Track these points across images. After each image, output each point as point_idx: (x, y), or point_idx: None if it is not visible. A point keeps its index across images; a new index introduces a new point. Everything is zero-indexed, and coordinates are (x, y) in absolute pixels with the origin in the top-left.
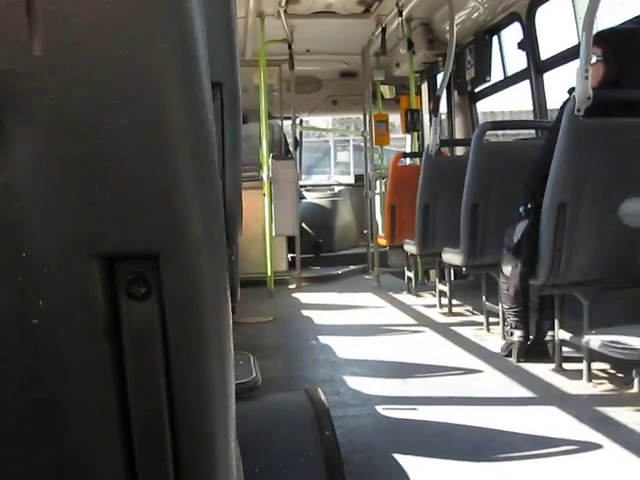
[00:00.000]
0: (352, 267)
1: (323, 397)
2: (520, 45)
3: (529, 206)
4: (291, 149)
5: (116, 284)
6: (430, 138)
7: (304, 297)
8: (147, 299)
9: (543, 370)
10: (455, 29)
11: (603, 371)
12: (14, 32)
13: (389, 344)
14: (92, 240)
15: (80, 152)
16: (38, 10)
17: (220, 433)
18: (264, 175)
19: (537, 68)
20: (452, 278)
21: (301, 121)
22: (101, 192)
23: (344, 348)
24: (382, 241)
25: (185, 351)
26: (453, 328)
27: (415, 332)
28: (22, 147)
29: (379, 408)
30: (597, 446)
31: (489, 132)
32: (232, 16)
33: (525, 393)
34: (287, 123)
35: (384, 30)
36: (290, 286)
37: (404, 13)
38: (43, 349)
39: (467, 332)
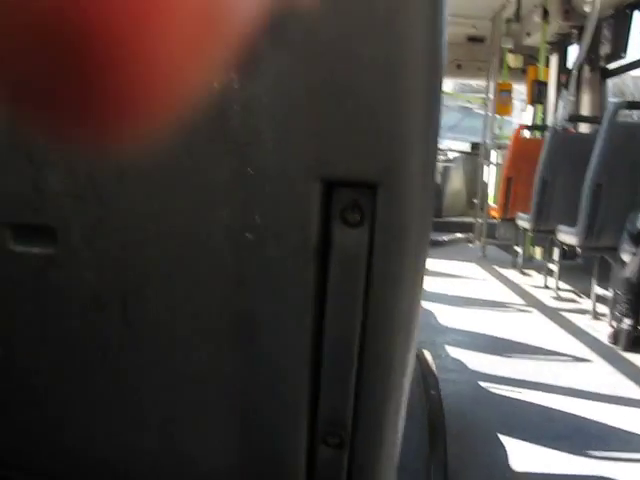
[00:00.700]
0: (458, 235)
1: (430, 359)
2: None
3: None
4: None
5: (332, 209)
6: (559, 112)
7: None
8: (360, 227)
9: None
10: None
11: None
12: None
13: (491, 319)
14: (317, 164)
15: (322, 77)
16: None
17: (404, 357)
18: None
19: None
20: (562, 258)
21: None
22: (334, 118)
23: (446, 316)
24: (494, 213)
25: (388, 280)
26: (558, 310)
27: (518, 310)
28: (268, 67)
29: (478, 379)
30: None
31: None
32: None
33: (628, 384)
34: None
35: None
36: None
37: None
38: (252, 262)
39: (573, 316)
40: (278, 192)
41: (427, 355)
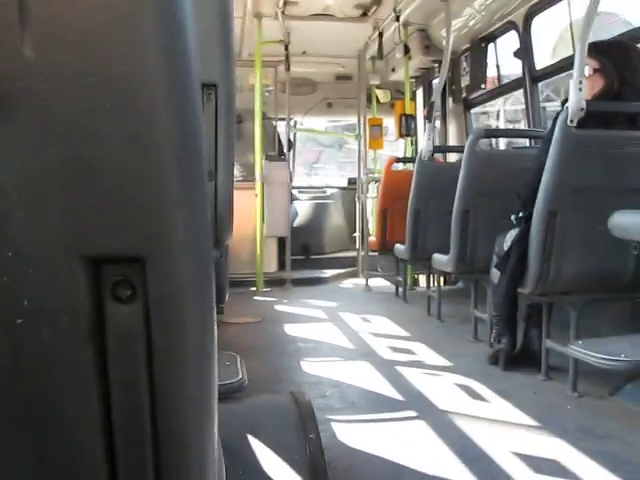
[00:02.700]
0: (341, 270)
1: (308, 399)
2: (516, 54)
3: (520, 214)
4: (285, 150)
5: (101, 286)
6: (424, 143)
7: (293, 298)
8: (132, 302)
9: (529, 379)
10: (452, 36)
11: (588, 381)
12: (6, 32)
13: (376, 349)
14: (78, 242)
15: (67, 155)
16: (31, 11)
17: (200, 436)
18: (257, 175)
19: (532, 77)
20: (442, 284)
21: (295, 123)
22: (87, 195)
23: (332, 351)
24: (374, 245)
25: (168, 354)
26: (440, 334)
27: (402, 337)
28: (9, 148)
29: (364, 413)
30: (581, 457)
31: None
32: (229, 18)
33: (510, 401)
34: (281, 124)
35: (381, 34)
36: (276, 289)
37: (401, 18)
38: (26, 348)
39: (454, 339)
40: (43, 274)
41: (305, 396)
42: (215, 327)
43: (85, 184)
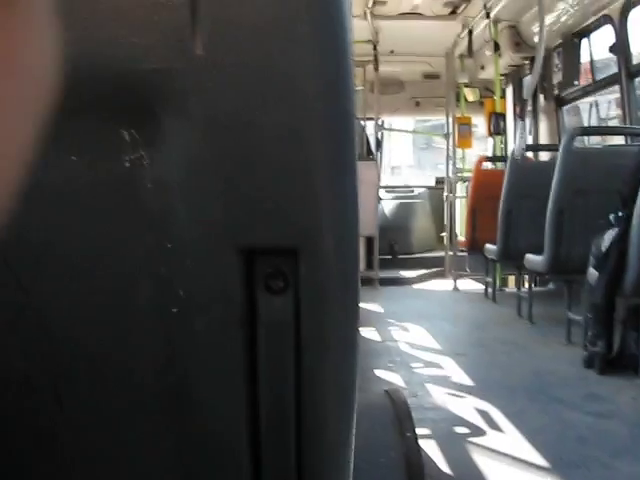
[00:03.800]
0: (429, 270)
1: (404, 398)
2: (612, 49)
3: (620, 214)
4: (373, 150)
5: (255, 278)
6: (516, 142)
7: (381, 298)
8: (284, 293)
9: (627, 383)
10: (545, 31)
11: None
12: (177, 31)
13: (468, 349)
14: (236, 234)
15: (230, 149)
16: (202, 11)
17: (342, 426)
18: None
19: (629, 72)
20: (532, 286)
21: (383, 122)
22: (247, 188)
23: (421, 352)
24: (462, 245)
25: (316, 344)
26: (532, 336)
27: (494, 339)
28: (176, 143)
29: (456, 413)
30: None
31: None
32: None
33: (607, 405)
34: (369, 124)
35: (470, 32)
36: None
37: (491, 15)
38: (180, 337)
39: (547, 341)
40: (198, 264)
41: (401, 395)
42: (359, 318)
43: (245, 177)
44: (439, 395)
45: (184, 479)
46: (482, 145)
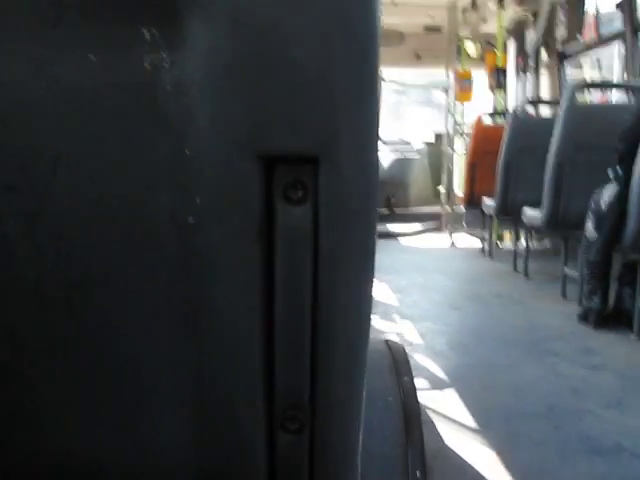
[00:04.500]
0: (426, 225)
1: (402, 345)
2: (619, 5)
3: (618, 171)
4: None
5: (274, 186)
6: (518, 97)
7: (378, 251)
8: (303, 203)
9: (621, 338)
10: None
11: None
12: None
13: (464, 303)
14: (255, 140)
15: (254, 50)
16: None
17: (356, 340)
18: None
19: (633, 29)
20: (529, 242)
21: (381, 73)
22: (269, 92)
23: (416, 304)
24: (460, 200)
25: (334, 256)
26: (527, 291)
27: (489, 294)
28: (197, 44)
29: (451, 362)
30: None
31: None
32: None
33: (601, 359)
34: None
35: None
36: None
37: None
38: (197, 247)
39: (543, 296)
40: (217, 172)
41: (399, 343)
42: (376, 234)
43: (267, 80)
44: (434, 345)
45: (197, 392)
46: (481, 100)
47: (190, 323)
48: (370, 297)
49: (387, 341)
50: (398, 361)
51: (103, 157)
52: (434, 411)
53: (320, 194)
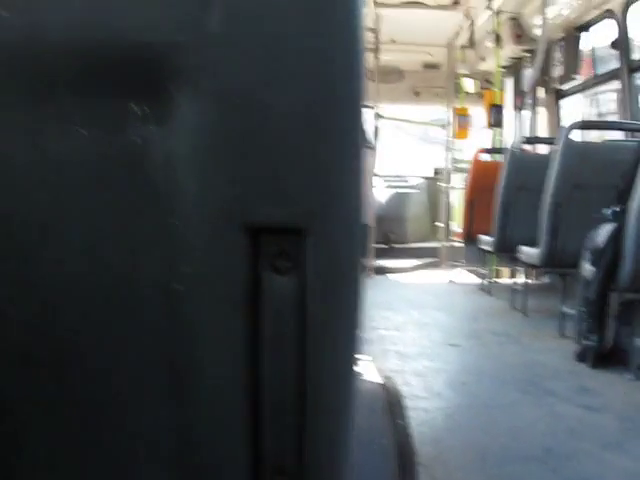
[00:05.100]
0: (424, 260)
1: (396, 386)
2: (614, 44)
3: (617, 209)
4: (370, 138)
5: (260, 257)
6: (515, 134)
7: (376, 287)
8: (289, 273)
9: (618, 377)
10: (547, 24)
11: None
12: (192, 5)
13: (462, 340)
14: (242, 212)
15: (240, 126)
16: None
17: (345, 405)
18: None
19: (629, 68)
20: (527, 278)
21: (381, 112)
22: (254, 166)
23: (414, 341)
24: (458, 236)
25: (321, 324)
26: (525, 329)
27: (487, 331)
28: (186, 118)
29: (449, 402)
30: None
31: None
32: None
33: (598, 399)
34: (367, 112)
35: (472, 23)
36: None
37: (494, 6)
38: (183, 315)
39: (541, 334)
40: (204, 242)
41: (394, 383)
42: (363, 300)
43: (253, 155)
44: (432, 385)
45: (182, 449)
46: (479, 137)
47: (175, 389)
48: (356, 361)
49: (383, 382)
50: (393, 403)
51: (91, 226)
52: (429, 454)
53: (307, 264)
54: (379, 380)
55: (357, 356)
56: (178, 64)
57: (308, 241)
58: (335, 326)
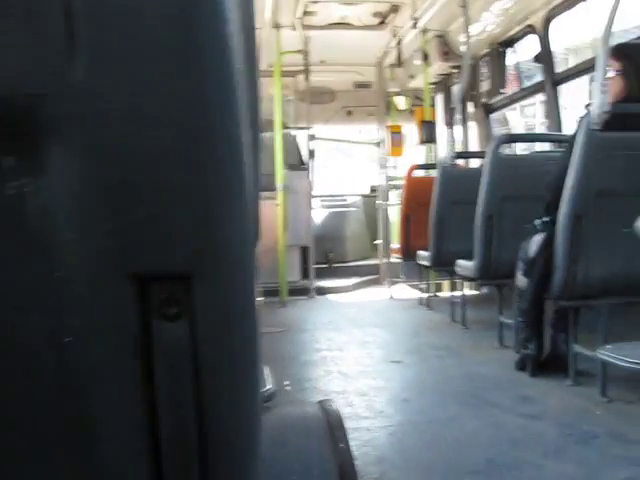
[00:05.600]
0: (364, 278)
1: (337, 409)
2: (537, 58)
3: (545, 220)
4: (305, 159)
5: (148, 304)
6: (445, 150)
7: (316, 307)
8: (179, 319)
9: (557, 384)
10: (470, 41)
11: (618, 386)
12: (54, 55)
13: (402, 356)
14: (126, 261)
15: (115, 174)
16: (81, 35)
17: (248, 448)
18: (278, 185)
19: (553, 81)
20: (465, 291)
21: (314, 133)
22: (135, 213)
23: (357, 360)
24: (396, 252)
25: (214, 368)
26: (465, 341)
27: (428, 345)
28: (59, 169)
29: (392, 420)
30: (612, 463)
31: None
32: (253, 31)
33: (538, 407)
34: (301, 134)
35: (399, 42)
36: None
37: (419, 25)
38: (74, 367)
39: (480, 345)
40: (90, 293)
41: (334, 406)
42: (259, 339)
43: (133, 203)
44: (374, 404)
45: None
46: (413, 153)
47: (72, 444)
48: (256, 408)
49: (323, 405)
50: (334, 426)
51: None
52: (374, 474)
53: (196, 309)
54: (319, 403)
55: (257, 397)
56: (44, 116)
57: (196, 286)
58: (230, 369)
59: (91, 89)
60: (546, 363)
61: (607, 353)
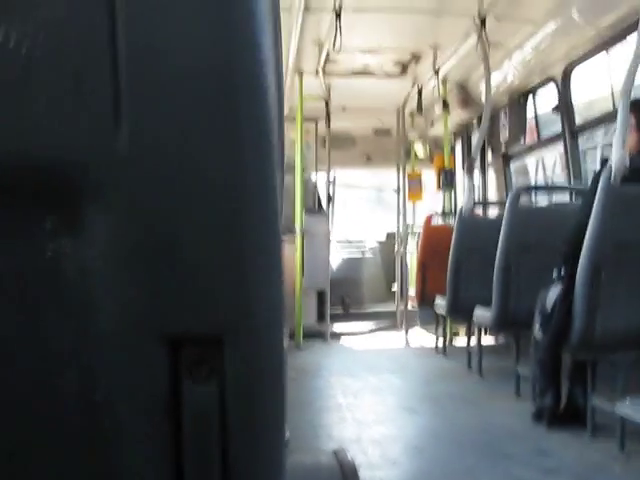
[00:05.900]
0: (380, 324)
1: (351, 459)
2: (555, 109)
3: (562, 272)
4: (324, 204)
5: (179, 366)
6: (464, 199)
7: (332, 352)
8: (209, 382)
9: (574, 437)
10: (491, 90)
11: (637, 440)
12: (100, 123)
13: (418, 405)
14: (159, 323)
15: (152, 239)
16: (125, 107)
17: None
18: (297, 229)
19: (572, 131)
20: (482, 339)
21: (335, 177)
22: (170, 277)
23: (372, 407)
24: (413, 299)
25: (243, 430)
26: (481, 391)
27: (443, 394)
28: (98, 232)
29: (406, 470)
30: None
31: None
32: (281, 79)
33: (555, 461)
34: (321, 178)
35: (420, 90)
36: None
37: (440, 74)
38: (104, 426)
39: (496, 395)
40: (122, 354)
41: (348, 456)
42: (286, 403)
43: (167, 267)
44: (389, 453)
45: None
46: (432, 199)
47: None
48: (284, 462)
49: (337, 455)
50: (347, 477)
51: (10, 339)
52: None
53: (226, 370)
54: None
55: (283, 456)
56: (86, 182)
57: (227, 350)
58: (258, 431)
59: (133, 157)
60: (563, 415)
61: (626, 408)
